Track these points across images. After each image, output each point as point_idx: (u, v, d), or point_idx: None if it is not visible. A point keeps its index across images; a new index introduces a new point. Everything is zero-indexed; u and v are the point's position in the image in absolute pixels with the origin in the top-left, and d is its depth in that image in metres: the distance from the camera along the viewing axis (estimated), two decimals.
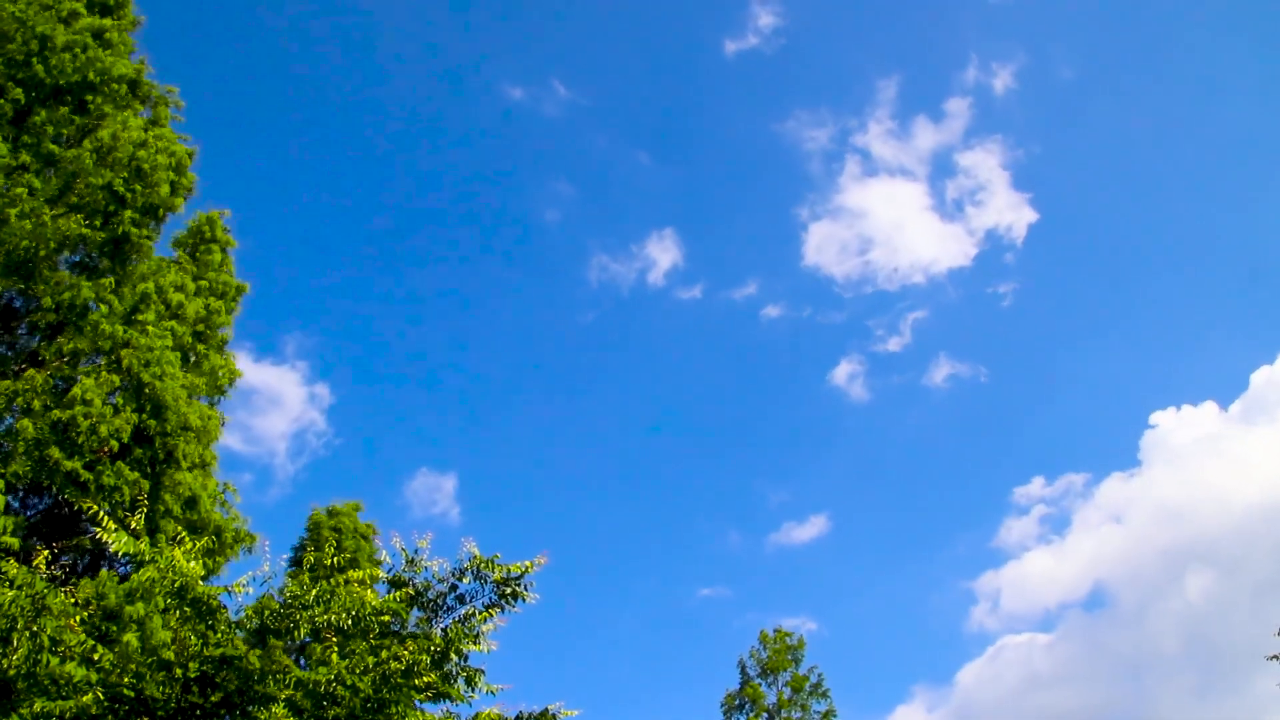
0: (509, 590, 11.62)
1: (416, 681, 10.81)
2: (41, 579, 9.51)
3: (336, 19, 78.16)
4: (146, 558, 10.09)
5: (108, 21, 17.75)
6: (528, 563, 11.62)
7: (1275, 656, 18.72)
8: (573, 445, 77.81)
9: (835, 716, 34.44)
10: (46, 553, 11.74)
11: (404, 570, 11.79)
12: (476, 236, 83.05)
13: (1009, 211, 73.99)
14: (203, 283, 17.84)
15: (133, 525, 10.96)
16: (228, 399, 17.94)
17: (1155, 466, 62.35)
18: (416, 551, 11.80)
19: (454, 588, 11.77)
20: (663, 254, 77.01)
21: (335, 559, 12.03)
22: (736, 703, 35.15)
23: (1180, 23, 78.91)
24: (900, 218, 74.76)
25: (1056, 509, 70.52)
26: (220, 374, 17.72)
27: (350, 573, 11.84)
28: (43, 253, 15.26)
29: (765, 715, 34.52)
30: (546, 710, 11.82)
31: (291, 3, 76.88)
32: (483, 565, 11.63)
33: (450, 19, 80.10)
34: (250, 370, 67.15)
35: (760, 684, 35.30)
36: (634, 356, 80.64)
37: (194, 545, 10.91)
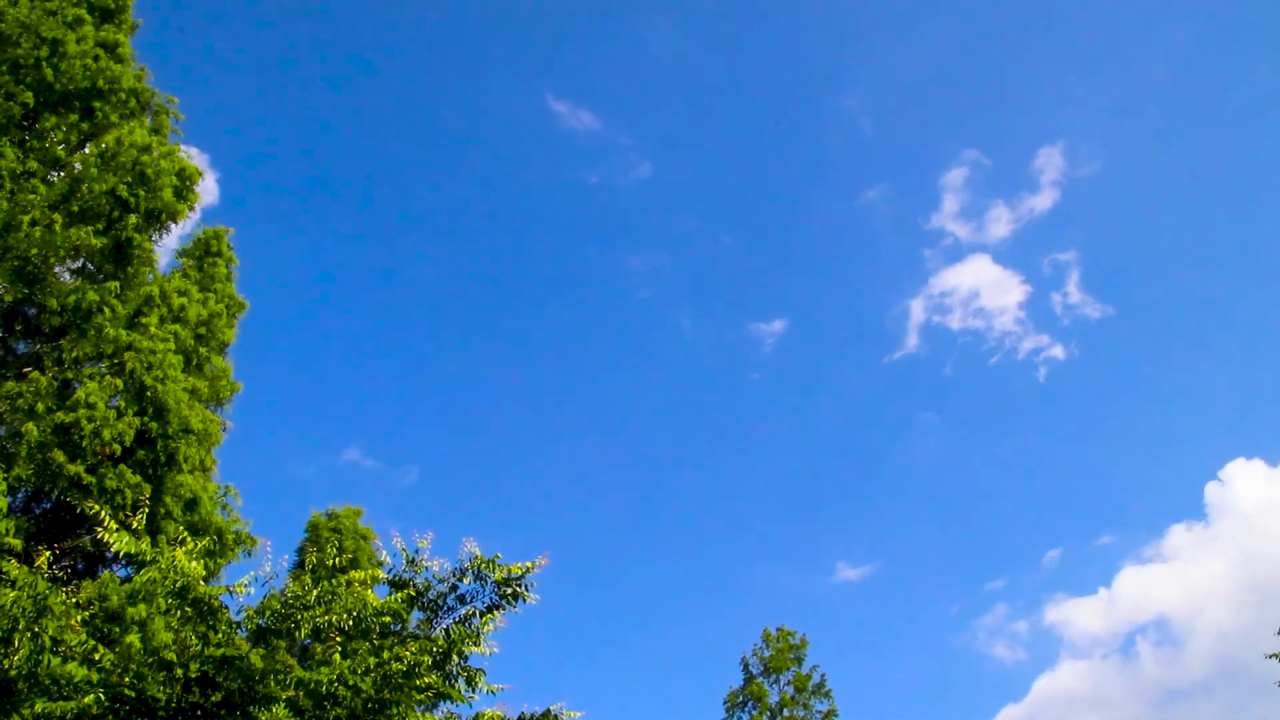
0: (510, 591, 11.64)
1: (418, 682, 10.83)
2: (43, 580, 9.56)
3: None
4: (148, 558, 10.14)
5: (120, 36, 17.88)
6: (528, 563, 11.65)
7: (1274, 655, 18.78)
8: (642, 512, 78.43)
9: (837, 717, 34.43)
10: (48, 553, 11.79)
11: (404, 571, 11.80)
12: (572, 300, 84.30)
13: (1091, 306, 75.59)
14: (210, 294, 17.96)
15: (134, 527, 11.02)
16: (226, 410, 18.15)
17: (1222, 517, 63.28)
18: (417, 552, 11.83)
19: (454, 588, 11.79)
20: (756, 329, 79.31)
21: (337, 559, 12.06)
22: (739, 700, 35.06)
23: (1259, 113, 79.24)
24: (983, 296, 77.56)
25: (1113, 557, 71.13)
26: (221, 385, 17.86)
27: (352, 573, 11.86)
28: (52, 261, 15.36)
29: (768, 714, 34.43)
30: (548, 711, 11.82)
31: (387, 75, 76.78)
32: (483, 566, 11.65)
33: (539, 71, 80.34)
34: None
35: (763, 682, 35.18)
36: (716, 427, 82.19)
37: (195, 546, 10.96)
